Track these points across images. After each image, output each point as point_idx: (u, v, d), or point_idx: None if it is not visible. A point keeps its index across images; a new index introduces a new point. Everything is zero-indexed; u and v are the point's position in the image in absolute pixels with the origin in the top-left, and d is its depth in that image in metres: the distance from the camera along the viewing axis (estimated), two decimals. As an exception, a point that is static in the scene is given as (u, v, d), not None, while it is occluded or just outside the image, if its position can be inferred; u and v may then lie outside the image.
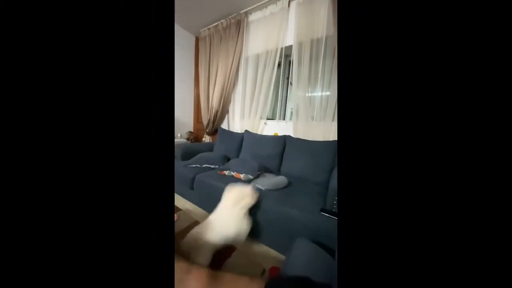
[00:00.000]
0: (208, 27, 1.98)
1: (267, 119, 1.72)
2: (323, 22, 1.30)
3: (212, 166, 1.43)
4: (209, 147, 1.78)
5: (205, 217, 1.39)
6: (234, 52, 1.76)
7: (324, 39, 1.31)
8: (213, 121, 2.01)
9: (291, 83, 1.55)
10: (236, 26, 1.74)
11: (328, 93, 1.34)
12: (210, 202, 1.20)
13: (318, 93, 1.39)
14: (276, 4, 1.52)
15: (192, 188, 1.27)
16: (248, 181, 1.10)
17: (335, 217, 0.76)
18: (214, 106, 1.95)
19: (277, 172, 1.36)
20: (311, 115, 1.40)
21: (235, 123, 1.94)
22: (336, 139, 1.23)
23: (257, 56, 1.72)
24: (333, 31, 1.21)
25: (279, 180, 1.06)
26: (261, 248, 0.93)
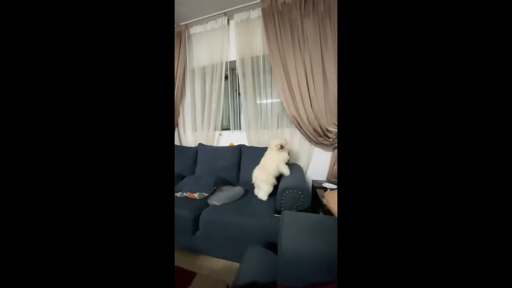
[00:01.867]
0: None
1: (223, 129, 1.73)
2: (260, 42, 1.47)
3: (163, 189, 1.28)
4: (159, 167, 1.59)
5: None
6: (178, 63, 1.68)
7: (262, 57, 1.48)
8: (161, 137, 1.81)
9: (239, 94, 1.64)
10: (177, 37, 1.67)
11: (272, 101, 1.51)
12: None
13: (264, 103, 1.54)
14: (216, 21, 1.59)
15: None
16: (203, 199, 1.07)
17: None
18: (161, 121, 1.77)
19: (237, 182, 1.39)
20: (260, 124, 1.54)
21: (187, 136, 1.83)
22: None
23: (204, 69, 1.71)
24: (269, 51, 1.38)
25: (235, 191, 1.09)
26: (224, 264, 0.93)
